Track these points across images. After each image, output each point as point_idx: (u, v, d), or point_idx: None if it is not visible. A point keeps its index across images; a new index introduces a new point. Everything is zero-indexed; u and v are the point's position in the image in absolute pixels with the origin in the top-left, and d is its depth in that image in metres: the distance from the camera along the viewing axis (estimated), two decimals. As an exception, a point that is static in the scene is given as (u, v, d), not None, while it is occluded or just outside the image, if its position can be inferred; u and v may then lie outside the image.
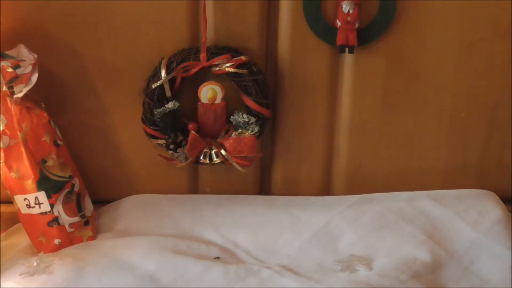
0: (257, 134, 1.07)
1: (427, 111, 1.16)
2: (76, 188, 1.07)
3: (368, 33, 1.08)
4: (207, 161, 1.08)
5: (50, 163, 1.04)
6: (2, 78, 1.00)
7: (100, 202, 1.11)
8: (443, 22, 1.11)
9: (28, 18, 1.07)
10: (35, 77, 1.01)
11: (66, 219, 1.01)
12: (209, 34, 1.07)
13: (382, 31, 1.07)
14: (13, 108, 1.01)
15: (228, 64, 1.06)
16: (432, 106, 1.16)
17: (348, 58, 1.10)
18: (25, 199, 1.02)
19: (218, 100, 1.10)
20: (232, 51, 1.07)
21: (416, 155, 1.19)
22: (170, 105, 1.07)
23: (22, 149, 1.01)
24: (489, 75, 1.12)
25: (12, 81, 1.00)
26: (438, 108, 1.16)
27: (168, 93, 1.08)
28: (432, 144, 1.18)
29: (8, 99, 1.01)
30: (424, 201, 1.14)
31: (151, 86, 1.07)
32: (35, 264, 0.93)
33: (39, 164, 1.02)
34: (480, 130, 1.17)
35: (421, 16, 1.07)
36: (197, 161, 1.08)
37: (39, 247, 1.00)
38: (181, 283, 0.96)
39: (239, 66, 1.06)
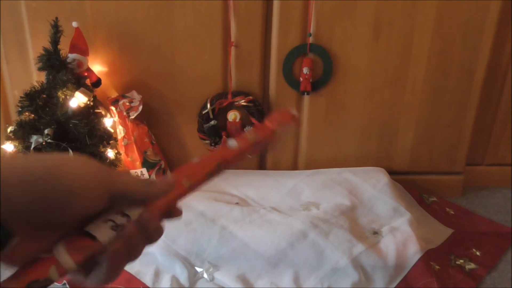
0: (258, 140, 1.29)
1: (349, 127, 1.39)
2: (162, 166, 1.32)
3: (317, 84, 1.31)
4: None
5: (148, 153, 1.29)
6: (123, 108, 1.26)
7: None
8: (357, 79, 1.35)
9: (136, 73, 1.30)
10: (140, 108, 1.26)
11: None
12: (233, 84, 1.30)
13: (325, 84, 1.31)
14: (129, 124, 1.27)
15: (243, 101, 1.32)
16: (351, 125, 1.39)
17: (306, 98, 1.33)
18: (135, 172, 1.27)
19: (237, 120, 1.34)
20: (245, 94, 1.31)
21: (343, 149, 1.42)
22: (212, 122, 1.33)
23: (134, 146, 1.28)
24: (381, 108, 1.37)
25: (128, 110, 1.27)
26: (354, 126, 1.39)
27: (211, 116, 1.33)
28: (351, 144, 1.41)
29: (126, 119, 1.27)
30: (347, 174, 1.37)
31: (202, 112, 1.32)
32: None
33: (143, 153, 1.28)
34: (377, 136, 1.41)
35: (346, 76, 1.30)
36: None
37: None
38: (218, 217, 1.16)
39: (249, 101, 1.32)
